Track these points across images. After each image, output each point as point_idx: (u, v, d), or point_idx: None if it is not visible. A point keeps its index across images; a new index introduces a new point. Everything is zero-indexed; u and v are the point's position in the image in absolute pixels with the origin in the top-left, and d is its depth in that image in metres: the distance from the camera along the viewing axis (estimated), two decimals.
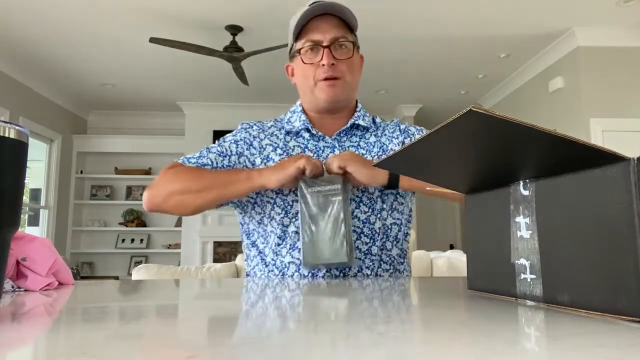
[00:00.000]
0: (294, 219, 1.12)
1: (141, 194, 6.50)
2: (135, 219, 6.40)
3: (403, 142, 1.21)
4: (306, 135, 1.19)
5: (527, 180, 0.57)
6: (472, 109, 0.43)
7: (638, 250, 0.42)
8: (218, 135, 6.05)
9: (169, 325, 0.49)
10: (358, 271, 1.12)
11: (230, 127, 6.92)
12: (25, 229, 5.87)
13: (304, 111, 1.21)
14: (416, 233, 5.93)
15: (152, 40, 3.75)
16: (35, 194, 6.16)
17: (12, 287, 0.74)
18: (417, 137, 0.80)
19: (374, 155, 1.19)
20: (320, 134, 1.18)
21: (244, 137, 1.20)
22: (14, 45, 4.35)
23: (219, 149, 1.18)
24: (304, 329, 0.44)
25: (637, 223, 0.43)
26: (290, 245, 1.12)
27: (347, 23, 1.14)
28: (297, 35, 1.14)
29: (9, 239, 0.57)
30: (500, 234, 0.61)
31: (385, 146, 1.21)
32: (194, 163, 1.15)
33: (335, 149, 1.17)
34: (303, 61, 1.13)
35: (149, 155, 6.50)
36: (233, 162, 1.17)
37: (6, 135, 0.53)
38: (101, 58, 4.67)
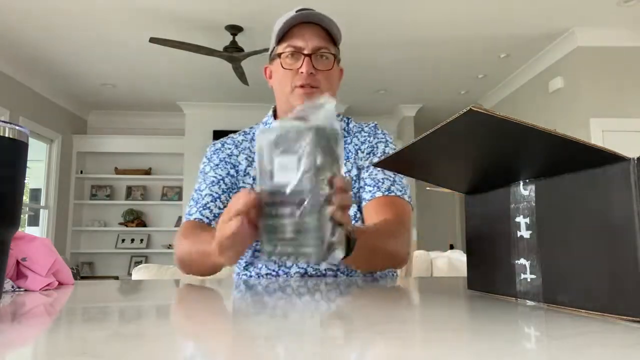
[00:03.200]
0: None
1: (141, 194, 6.54)
2: (135, 219, 6.40)
3: (372, 147, 1.19)
4: None
5: (527, 180, 0.57)
6: (472, 108, 0.43)
7: (638, 250, 0.42)
8: (218, 135, 6.06)
9: (169, 325, 0.49)
10: (337, 271, 1.06)
11: (231, 127, 6.90)
12: (25, 229, 5.88)
13: (274, 118, 1.21)
14: (416, 233, 5.93)
15: (152, 40, 3.75)
16: (35, 194, 6.17)
17: (12, 287, 0.74)
18: (413, 139, 0.80)
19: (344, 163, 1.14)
20: None
21: (222, 158, 1.19)
22: (14, 45, 4.35)
23: (208, 181, 1.15)
24: (304, 328, 0.44)
25: (637, 223, 0.43)
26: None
27: (331, 35, 1.13)
28: (280, 39, 1.13)
29: (9, 239, 0.57)
30: (500, 234, 0.61)
31: (351, 153, 1.19)
32: (196, 213, 1.11)
33: None
34: (282, 66, 1.12)
35: (149, 155, 6.50)
36: (229, 184, 1.15)
37: (6, 135, 0.53)
38: (101, 58, 4.67)
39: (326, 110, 0.66)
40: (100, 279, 5.36)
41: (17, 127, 0.55)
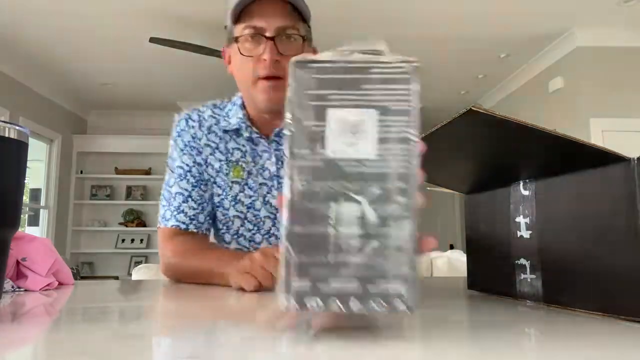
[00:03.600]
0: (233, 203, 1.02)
1: (141, 194, 6.54)
2: (135, 219, 6.40)
3: None
4: (245, 134, 1.03)
5: (527, 180, 0.57)
6: (472, 108, 0.43)
7: (638, 250, 0.42)
8: None
9: (168, 325, 0.49)
10: None
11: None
12: (25, 229, 5.87)
13: (243, 106, 1.04)
14: None
15: (152, 40, 3.75)
16: (35, 194, 6.16)
17: (12, 287, 0.74)
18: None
19: None
20: (256, 136, 1.03)
21: (187, 142, 1.04)
22: (14, 45, 4.35)
23: (176, 174, 1.03)
24: (304, 327, 0.44)
25: (637, 223, 0.43)
26: (234, 231, 1.04)
27: (298, 10, 0.94)
28: (237, 19, 0.94)
29: (9, 239, 0.57)
30: (500, 234, 0.61)
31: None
32: (172, 219, 1.00)
33: (272, 155, 1.03)
34: (241, 52, 0.94)
35: (149, 155, 6.49)
36: (198, 173, 1.03)
37: (6, 135, 0.53)
38: (101, 58, 4.67)
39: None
40: (100, 279, 5.36)
41: (17, 127, 0.55)
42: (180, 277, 0.95)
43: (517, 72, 5.07)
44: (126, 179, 6.47)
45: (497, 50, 4.53)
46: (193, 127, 1.04)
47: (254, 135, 1.03)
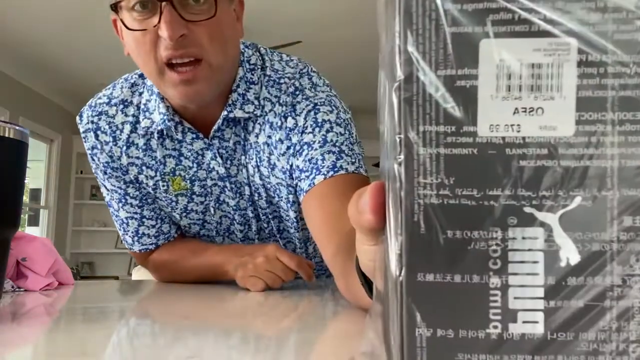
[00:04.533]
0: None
1: None
2: None
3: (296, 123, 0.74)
4: (176, 135, 0.78)
5: None
6: None
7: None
8: None
9: (168, 325, 0.49)
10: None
11: None
12: (25, 229, 5.87)
13: (162, 97, 0.75)
14: None
15: None
16: (35, 194, 6.16)
17: (12, 287, 0.74)
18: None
19: (283, 152, 0.75)
20: (192, 136, 0.77)
21: (105, 162, 0.82)
22: (13, 45, 4.35)
23: (115, 198, 0.85)
24: (303, 328, 0.44)
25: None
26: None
27: None
28: None
29: (9, 239, 0.57)
30: None
31: (264, 145, 0.77)
32: (137, 245, 0.87)
33: (217, 155, 0.78)
34: (126, 26, 0.67)
35: None
36: (137, 190, 0.84)
37: (6, 135, 0.53)
38: (101, 58, 4.67)
39: None
40: (100, 279, 5.36)
41: (17, 127, 0.55)
42: (177, 279, 0.90)
43: None
44: None
45: None
46: (107, 143, 0.81)
47: (188, 136, 0.77)
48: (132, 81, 0.83)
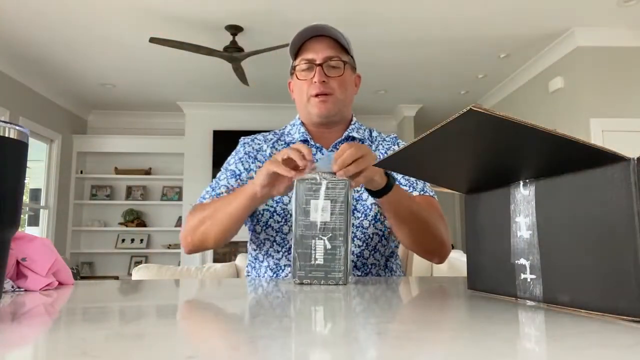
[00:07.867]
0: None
1: (141, 194, 6.54)
2: (135, 219, 6.40)
3: None
4: (310, 143, 1.24)
5: (527, 180, 0.57)
6: (472, 108, 0.43)
7: (638, 250, 0.42)
8: (218, 135, 6.05)
9: (169, 325, 0.49)
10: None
11: (230, 127, 6.86)
12: (25, 229, 5.88)
13: (302, 124, 1.27)
14: None
15: (152, 40, 3.75)
16: (35, 194, 6.17)
17: (12, 287, 0.74)
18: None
19: None
20: (318, 145, 1.24)
21: (248, 152, 1.26)
22: (14, 45, 4.35)
23: (228, 173, 1.24)
24: (303, 328, 0.44)
25: (637, 223, 0.43)
26: (287, 249, 1.17)
27: (340, 44, 1.21)
28: (296, 55, 1.23)
29: (9, 239, 0.57)
30: (500, 234, 0.61)
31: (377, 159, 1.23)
32: (208, 200, 1.19)
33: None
34: (298, 77, 1.21)
35: (149, 155, 6.50)
36: (245, 179, 1.21)
37: (6, 135, 0.53)
38: (101, 58, 4.67)
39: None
40: (100, 279, 5.36)
41: (17, 127, 0.55)
42: (208, 226, 1.11)
43: (517, 72, 5.07)
44: (126, 179, 6.47)
45: (497, 50, 4.53)
46: (259, 142, 1.29)
47: (316, 144, 1.25)
48: (274, 131, 1.34)
